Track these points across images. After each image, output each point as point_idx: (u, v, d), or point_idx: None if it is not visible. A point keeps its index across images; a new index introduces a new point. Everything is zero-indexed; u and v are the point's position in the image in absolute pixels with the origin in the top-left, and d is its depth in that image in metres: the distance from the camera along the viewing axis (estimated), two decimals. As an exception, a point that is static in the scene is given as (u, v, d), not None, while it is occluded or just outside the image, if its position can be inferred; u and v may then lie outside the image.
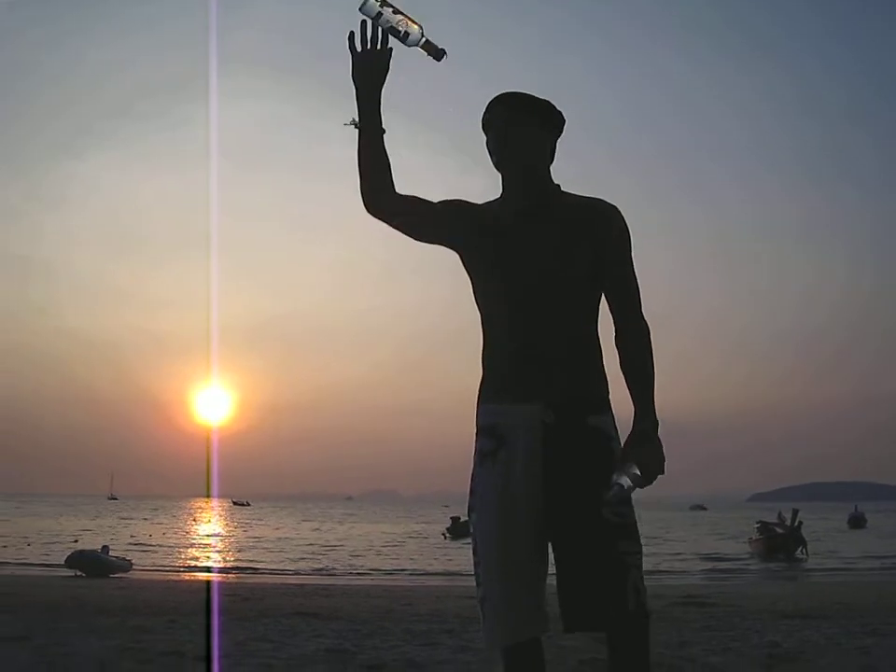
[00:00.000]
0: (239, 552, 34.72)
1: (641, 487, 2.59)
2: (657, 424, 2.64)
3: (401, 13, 2.69)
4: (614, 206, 2.79)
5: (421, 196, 2.85)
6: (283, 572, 25.32)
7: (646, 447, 2.59)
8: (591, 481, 2.61)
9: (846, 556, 31.42)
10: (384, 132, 2.78)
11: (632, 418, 2.65)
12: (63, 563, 20.64)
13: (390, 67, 2.76)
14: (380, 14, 2.69)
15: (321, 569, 26.62)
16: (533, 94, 2.83)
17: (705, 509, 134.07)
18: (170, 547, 36.21)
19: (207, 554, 33.92)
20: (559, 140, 2.88)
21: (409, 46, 2.72)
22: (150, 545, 36.48)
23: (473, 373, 2.87)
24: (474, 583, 2.77)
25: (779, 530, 31.76)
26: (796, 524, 30.68)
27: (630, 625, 2.62)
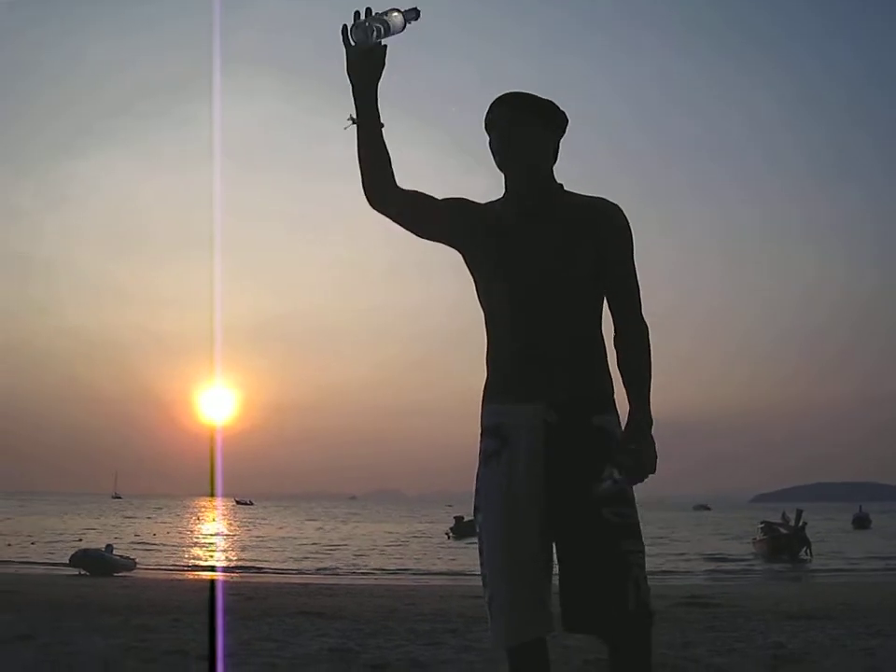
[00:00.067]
0: (242, 551, 34.78)
1: (633, 483, 2.60)
2: (651, 422, 2.64)
3: (382, 16, 2.67)
4: (616, 206, 2.79)
5: (424, 193, 2.85)
6: (286, 571, 25.36)
7: (639, 443, 2.59)
8: (593, 480, 2.61)
9: (850, 557, 31.42)
10: (382, 126, 2.76)
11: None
12: (67, 562, 20.70)
13: (386, 62, 2.74)
14: (371, 32, 2.67)
15: (324, 569, 26.64)
16: (536, 94, 2.82)
17: (708, 509, 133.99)
18: (173, 546, 36.27)
19: (211, 553, 33.98)
20: (562, 140, 2.88)
21: (397, 34, 2.70)
22: (154, 544, 36.53)
23: (477, 373, 2.87)
24: (478, 583, 2.78)
25: (783, 531, 31.73)
26: (800, 524, 30.66)
27: (631, 625, 2.62)
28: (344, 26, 2.71)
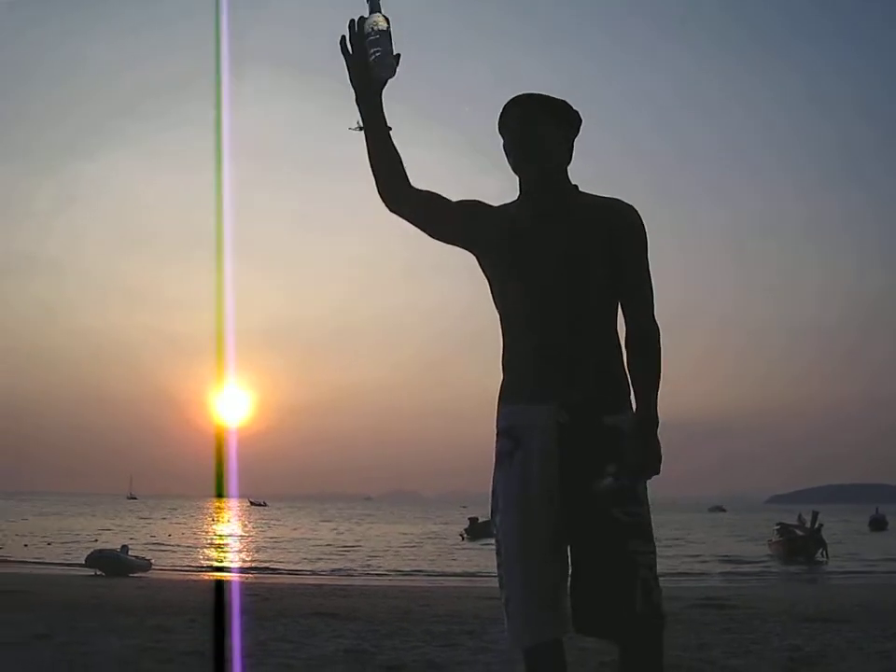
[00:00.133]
0: (257, 552, 34.83)
1: (634, 483, 2.60)
2: (656, 422, 2.64)
3: (376, 36, 2.66)
4: (631, 206, 2.79)
5: (439, 193, 2.85)
6: (301, 572, 25.39)
7: (642, 442, 2.60)
8: (597, 479, 2.61)
9: (867, 559, 31.25)
10: (389, 129, 2.77)
11: (667, 419, 2.65)
12: (83, 562, 20.76)
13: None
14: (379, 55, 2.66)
15: (339, 570, 26.66)
16: (549, 94, 2.82)
17: (724, 510, 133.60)
18: (188, 547, 36.34)
19: (226, 554, 34.05)
20: (576, 140, 2.87)
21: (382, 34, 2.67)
22: (169, 545, 36.63)
23: (493, 374, 2.88)
24: (493, 584, 2.78)
25: (799, 532, 31.60)
26: (816, 526, 30.54)
27: (639, 627, 2.62)
28: (343, 37, 2.71)
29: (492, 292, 2.86)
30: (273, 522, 69.16)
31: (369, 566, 28.40)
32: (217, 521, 71.68)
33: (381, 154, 2.77)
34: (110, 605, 10.18)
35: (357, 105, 2.76)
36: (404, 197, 2.80)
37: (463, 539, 43.74)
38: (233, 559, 31.64)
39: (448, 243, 2.88)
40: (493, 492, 2.79)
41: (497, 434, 2.80)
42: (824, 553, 29.84)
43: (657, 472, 2.64)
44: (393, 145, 2.77)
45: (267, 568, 26.42)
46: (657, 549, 2.71)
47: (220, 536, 48.61)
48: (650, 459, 2.60)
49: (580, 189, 2.83)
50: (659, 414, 2.66)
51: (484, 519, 41.87)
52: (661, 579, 2.68)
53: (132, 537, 35.78)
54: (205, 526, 60.32)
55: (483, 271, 2.88)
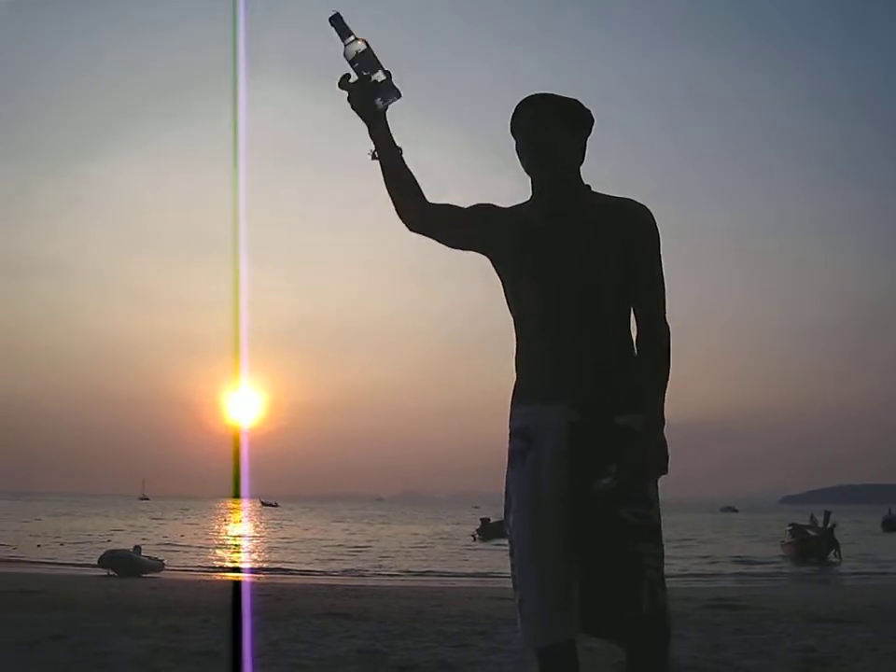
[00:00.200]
0: (269, 552, 34.88)
1: (635, 483, 2.59)
2: (661, 423, 2.64)
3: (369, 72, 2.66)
4: (644, 206, 2.79)
5: (452, 203, 2.87)
6: (313, 573, 25.41)
7: (644, 442, 2.60)
8: (600, 478, 2.61)
9: (880, 560, 31.11)
10: (400, 151, 2.78)
11: (675, 421, 2.65)
12: (95, 563, 20.80)
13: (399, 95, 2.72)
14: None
15: (351, 570, 26.68)
16: (560, 94, 2.82)
17: (736, 511, 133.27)
18: (201, 547, 36.42)
19: (238, 555, 34.11)
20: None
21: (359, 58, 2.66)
22: (181, 545, 36.70)
23: (504, 374, 2.88)
24: (505, 584, 2.78)
25: (812, 533, 31.50)
26: (829, 526, 30.44)
27: (644, 628, 2.62)
28: (345, 75, 2.69)
29: (505, 293, 2.87)
30: (284, 522, 69.25)
31: (381, 566, 28.40)
32: (229, 521, 71.84)
33: (396, 178, 2.78)
34: (123, 605, 10.22)
35: (368, 132, 2.77)
36: (424, 219, 2.83)
37: (475, 539, 43.70)
38: (245, 559, 31.69)
39: (466, 249, 2.89)
40: (506, 492, 2.79)
41: (511, 434, 2.81)
42: (837, 553, 29.74)
43: (664, 472, 2.64)
44: (405, 166, 2.78)
45: (279, 569, 26.46)
46: (669, 550, 2.70)
47: (232, 536, 48.71)
48: (653, 459, 2.60)
49: (592, 188, 2.84)
50: (664, 414, 2.66)
51: (496, 519, 41.87)
52: (673, 579, 2.69)
53: (144, 537, 35.84)
54: (217, 527, 60.44)
55: (497, 272, 2.88)
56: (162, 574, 20.92)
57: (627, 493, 2.60)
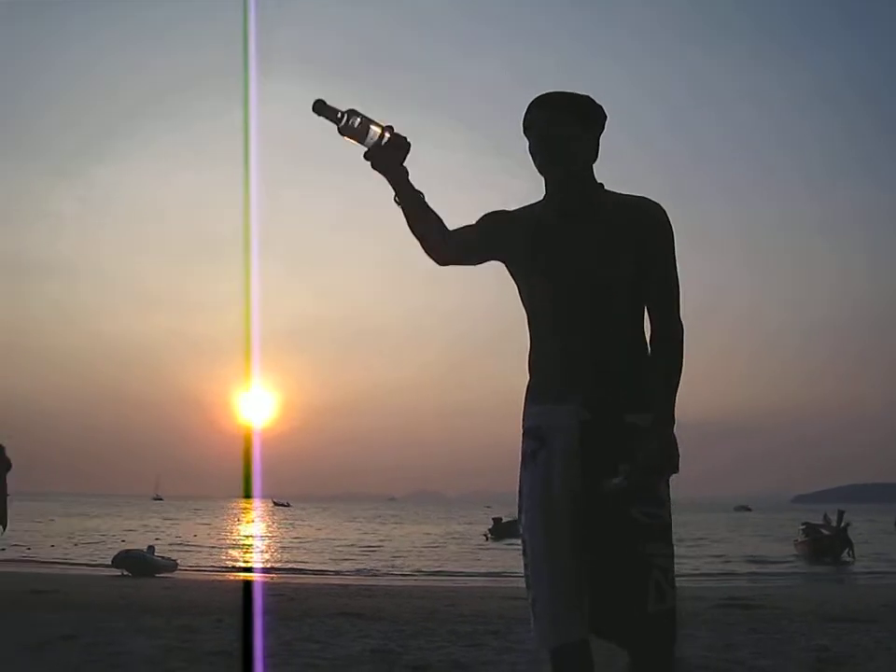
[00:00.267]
0: (282, 552, 34.92)
1: (645, 482, 2.59)
2: (672, 421, 2.63)
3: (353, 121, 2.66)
4: (658, 205, 2.78)
5: (466, 225, 2.87)
6: (325, 572, 25.42)
7: (654, 441, 2.59)
8: (610, 477, 2.61)
9: (894, 559, 30.97)
10: (421, 194, 2.76)
11: (686, 420, 2.64)
12: (109, 562, 20.85)
13: (409, 144, 2.70)
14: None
15: (364, 570, 26.69)
16: (571, 92, 2.80)
17: (749, 510, 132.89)
18: (214, 547, 36.47)
19: (251, 554, 34.16)
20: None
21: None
22: (195, 545, 36.76)
23: (516, 374, 2.88)
24: (517, 584, 2.78)
25: (825, 532, 31.37)
26: (842, 525, 30.33)
27: (650, 627, 2.61)
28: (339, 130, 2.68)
29: (519, 293, 2.87)
30: (297, 522, 69.34)
31: (393, 566, 28.41)
32: (242, 521, 71.93)
33: (419, 222, 2.78)
34: (137, 605, 10.24)
35: (389, 183, 2.75)
36: (450, 254, 2.86)
37: (487, 539, 43.69)
38: (258, 559, 31.73)
39: (486, 261, 2.90)
40: (519, 492, 2.79)
41: (523, 434, 2.81)
42: (851, 552, 29.63)
43: (676, 470, 2.63)
44: (427, 208, 2.78)
45: (292, 569, 26.48)
46: (682, 549, 2.70)
47: (245, 536, 48.78)
48: (663, 458, 2.59)
49: (605, 187, 2.83)
50: (675, 413, 2.65)
51: (508, 519, 41.86)
52: (685, 578, 2.69)
53: (157, 537, 35.93)
54: (230, 527, 60.54)
55: (511, 273, 2.88)
56: (176, 574, 20.94)
57: (638, 492, 2.60)
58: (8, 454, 12.16)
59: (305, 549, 36.48)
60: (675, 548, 2.68)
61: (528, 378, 2.84)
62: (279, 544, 40.79)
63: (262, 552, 36.15)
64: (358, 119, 2.64)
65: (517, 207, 2.92)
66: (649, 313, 2.76)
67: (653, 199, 2.80)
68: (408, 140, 2.69)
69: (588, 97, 2.81)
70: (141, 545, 23.99)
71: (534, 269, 2.80)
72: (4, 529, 8.89)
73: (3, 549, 22.52)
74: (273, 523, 69.63)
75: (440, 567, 28.04)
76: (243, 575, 23.60)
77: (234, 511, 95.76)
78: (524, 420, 2.82)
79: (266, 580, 20.33)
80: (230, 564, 28.49)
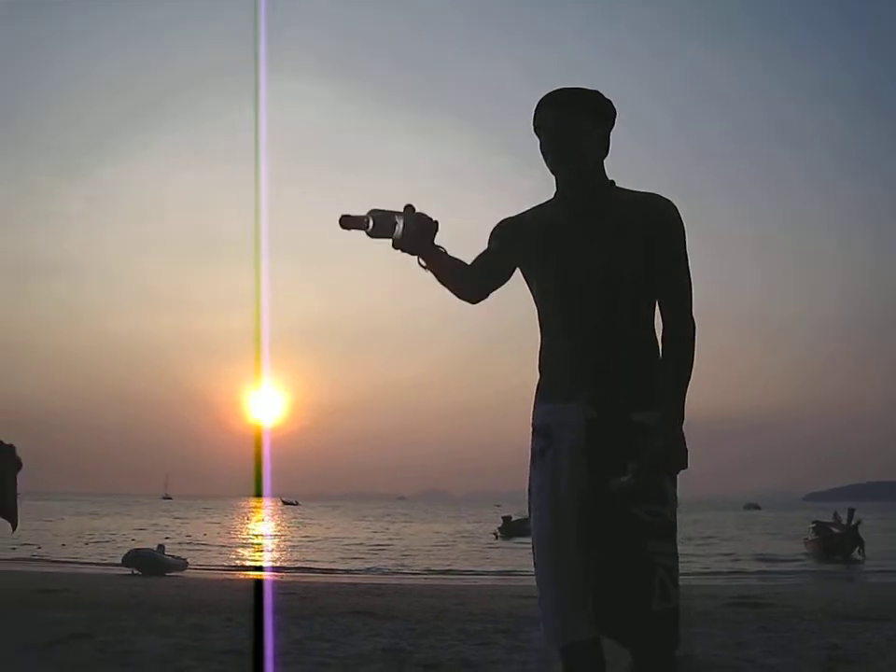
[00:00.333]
0: (292, 550, 34.96)
1: (652, 479, 2.58)
2: (680, 419, 2.63)
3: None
4: (668, 201, 2.76)
5: (484, 254, 2.90)
6: (335, 571, 25.45)
7: (661, 438, 2.58)
8: (618, 475, 2.61)
9: (905, 557, 30.88)
10: (444, 251, 2.76)
11: (695, 418, 2.64)
12: (119, 561, 20.90)
13: (436, 223, 2.69)
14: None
15: (373, 568, 26.71)
16: (580, 87, 2.79)
17: (759, 508, 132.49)
18: (224, 546, 36.53)
19: (261, 553, 34.20)
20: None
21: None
22: (205, 544, 36.82)
23: (524, 373, 2.89)
24: (527, 583, 2.79)
25: (836, 530, 31.28)
26: (853, 523, 30.24)
27: (653, 626, 2.61)
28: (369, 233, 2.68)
29: (531, 292, 2.87)
30: (306, 521, 69.40)
31: (403, 564, 28.43)
32: (252, 520, 72.04)
33: (447, 280, 2.82)
34: (147, 604, 10.27)
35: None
36: (479, 292, 2.91)
37: (497, 537, 43.66)
38: (268, 558, 31.77)
39: (512, 271, 2.91)
40: (529, 490, 2.80)
41: (533, 432, 2.81)
42: (861, 551, 29.53)
43: (684, 467, 2.63)
44: (451, 261, 2.79)
45: (302, 567, 26.52)
46: (692, 547, 2.70)
47: (255, 535, 48.84)
48: (668, 457, 2.59)
49: (616, 184, 2.82)
50: (685, 411, 2.65)
51: (518, 517, 41.82)
52: (695, 577, 2.68)
53: (167, 536, 36.01)
54: (240, 525, 60.63)
55: (523, 273, 2.89)
56: (186, 573, 20.99)
57: (643, 490, 2.59)
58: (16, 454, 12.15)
59: (315, 548, 36.52)
60: (682, 546, 2.67)
61: (538, 376, 2.84)
62: (289, 543, 40.84)
63: (272, 550, 36.19)
64: (382, 218, 2.66)
65: (528, 209, 2.92)
66: (661, 310, 2.75)
67: (659, 193, 2.80)
68: (434, 220, 2.68)
69: (597, 92, 2.80)
70: (151, 544, 24.04)
71: (544, 268, 2.80)
72: (14, 529, 8.91)
73: (13, 548, 22.60)
74: (283, 522, 69.71)
75: (449, 565, 28.04)
76: (253, 574, 23.64)
77: (244, 510, 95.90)
78: (533, 418, 2.82)
79: (276, 578, 20.37)
80: (240, 563, 28.55)
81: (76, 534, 41.35)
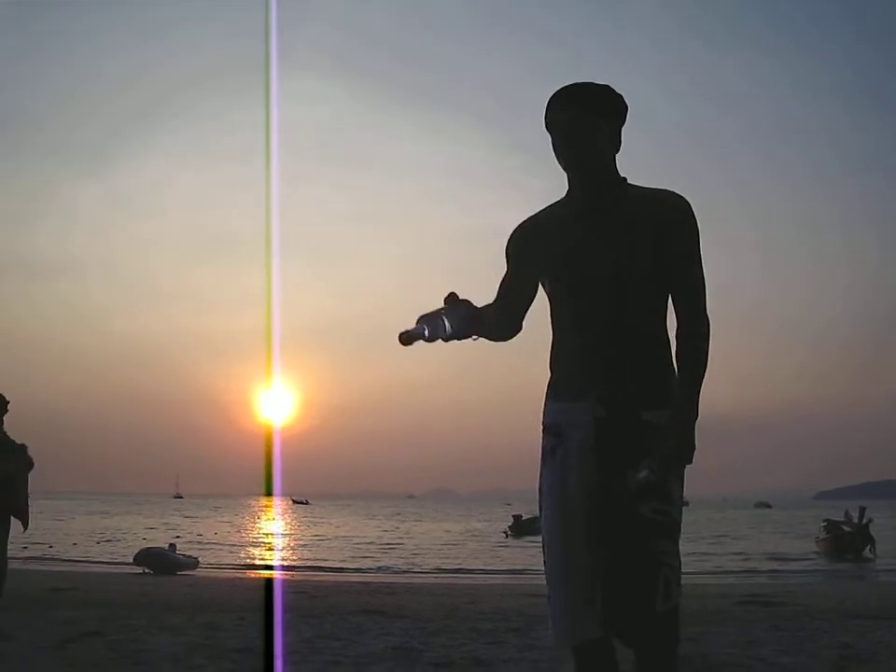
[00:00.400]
0: (302, 549, 35.01)
1: (667, 473, 2.58)
2: (691, 418, 2.62)
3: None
4: (681, 197, 2.75)
5: (504, 283, 2.94)
6: (346, 570, 25.48)
7: (671, 434, 2.58)
8: (633, 472, 2.61)
9: (916, 556, 30.77)
10: (473, 308, 2.78)
11: (704, 416, 2.64)
12: (131, 560, 20.96)
13: (474, 315, 2.77)
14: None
15: (384, 567, 26.72)
16: (590, 83, 2.77)
17: (769, 506, 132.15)
18: (235, 544, 36.60)
19: (272, 552, 34.24)
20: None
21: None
22: (216, 543, 36.89)
23: (533, 372, 2.90)
24: (537, 581, 2.79)
25: (847, 528, 31.21)
26: (864, 522, 30.15)
27: (656, 625, 2.60)
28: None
29: (544, 290, 2.87)
30: (317, 520, 69.47)
31: (413, 563, 28.44)
32: (262, 519, 72.14)
33: (485, 334, 2.86)
34: (159, 602, 10.30)
35: None
36: (508, 333, 2.97)
37: (507, 536, 43.65)
38: (279, 557, 31.81)
39: (535, 283, 2.93)
40: (539, 489, 2.80)
41: (543, 431, 2.82)
42: (872, 549, 29.46)
43: (689, 462, 2.63)
44: (480, 314, 2.80)
45: (312, 566, 26.55)
46: (703, 546, 2.70)
47: (265, 534, 48.90)
48: (678, 457, 2.59)
49: (627, 181, 2.81)
50: (699, 409, 2.64)
51: (529, 516, 41.78)
52: (706, 576, 2.68)
53: (178, 535, 36.10)
54: (250, 524, 60.74)
55: (537, 273, 2.89)
56: (197, 571, 21.03)
57: (653, 489, 2.59)
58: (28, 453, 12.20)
59: (325, 546, 36.56)
60: (693, 545, 2.67)
61: (549, 375, 2.84)
62: (299, 542, 40.90)
63: (283, 549, 36.24)
64: (433, 322, 2.72)
65: (541, 209, 2.92)
66: (674, 307, 2.74)
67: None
68: (472, 310, 2.75)
69: (608, 87, 2.78)
70: (162, 543, 24.10)
71: (554, 266, 2.80)
72: (26, 527, 8.96)
73: (25, 547, 22.67)
74: (293, 520, 69.80)
75: (459, 564, 28.03)
76: (264, 572, 23.66)
77: (254, 509, 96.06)
78: (544, 417, 2.83)
79: (287, 577, 20.39)
80: (250, 561, 28.59)
81: (87, 533, 41.50)
